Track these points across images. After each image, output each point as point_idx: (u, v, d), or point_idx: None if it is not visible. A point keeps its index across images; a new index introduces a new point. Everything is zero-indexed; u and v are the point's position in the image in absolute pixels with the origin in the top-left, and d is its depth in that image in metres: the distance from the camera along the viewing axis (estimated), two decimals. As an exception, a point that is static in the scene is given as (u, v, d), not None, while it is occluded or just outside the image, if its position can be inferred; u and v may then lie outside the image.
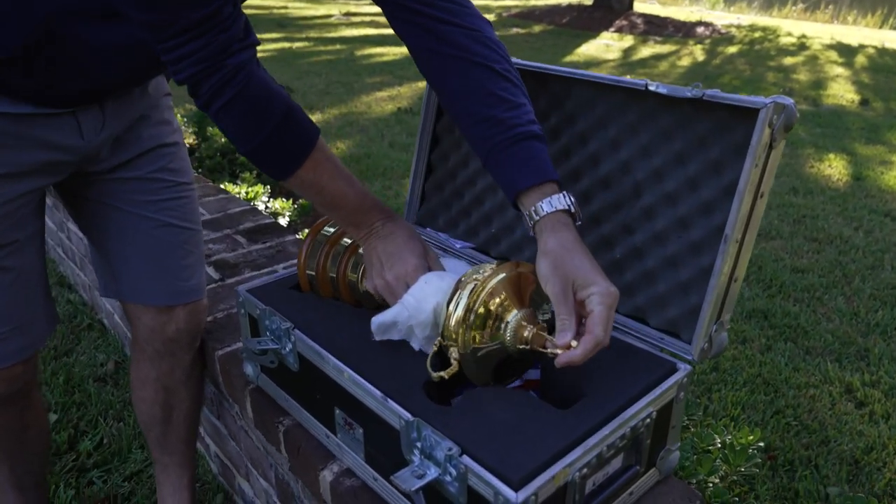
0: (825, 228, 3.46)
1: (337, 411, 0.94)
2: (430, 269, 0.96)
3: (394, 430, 0.83)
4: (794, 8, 14.25)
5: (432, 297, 0.89)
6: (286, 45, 8.50)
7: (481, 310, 0.82)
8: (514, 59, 1.00)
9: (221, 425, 1.43)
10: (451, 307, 0.84)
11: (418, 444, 0.79)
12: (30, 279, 1.04)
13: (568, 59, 8.04)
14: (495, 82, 0.91)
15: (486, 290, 0.82)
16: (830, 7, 14.41)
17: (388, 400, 0.83)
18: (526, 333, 0.84)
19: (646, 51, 8.89)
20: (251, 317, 1.07)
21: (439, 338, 0.86)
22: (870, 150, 4.87)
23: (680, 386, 0.87)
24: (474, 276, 0.86)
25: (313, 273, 1.06)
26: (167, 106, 1.17)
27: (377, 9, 9.98)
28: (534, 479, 0.71)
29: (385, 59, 7.92)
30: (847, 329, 2.50)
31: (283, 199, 2.82)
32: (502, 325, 0.84)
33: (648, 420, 0.83)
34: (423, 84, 6.69)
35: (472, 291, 0.83)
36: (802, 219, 3.60)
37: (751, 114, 0.80)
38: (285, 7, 12.79)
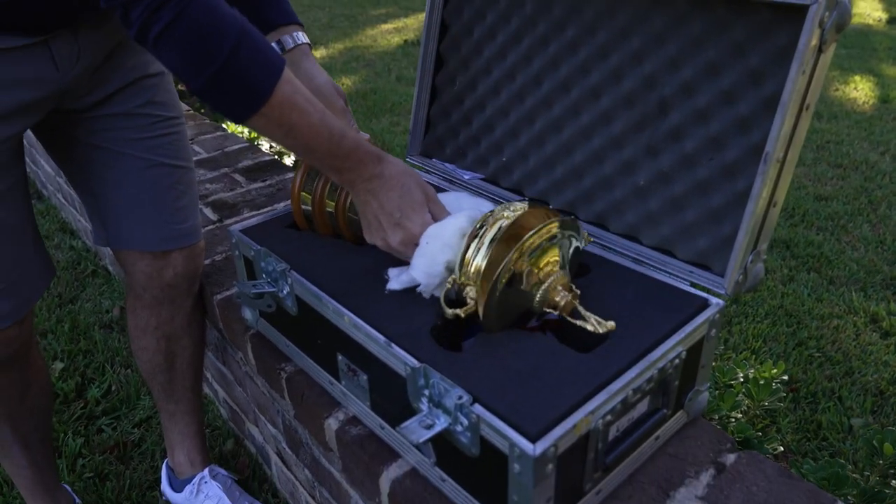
0: (850, 154, 3.32)
1: (339, 357, 0.87)
2: (434, 219, 0.86)
3: (400, 378, 0.76)
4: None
5: (441, 256, 0.80)
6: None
7: (508, 273, 0.73)
8: None
9: (227, 371, 1.38)
10: (471, 251, 0.76)
11: (426, 392, 0.72)
12: (15, 232, 0.97)
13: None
14: None
15: (517, 250, 0.72)
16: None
17: (393, 345, 0.76)
18: (558, 299, 0.77)
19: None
20: (246, 259, 1.00)
21: (453, 276, 0.78)
22: (897, 71, 4.65)
23: (712, 323, 0.79)
24: (500, 216, 0.77)
25: (309, 208, 0.98)
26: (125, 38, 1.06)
27: None
28: (553, 429, 0.64)
29: (391, -12, 7.63)
30: (872, 257, 2.40)
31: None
32: (532, 289, 0.77)
33: (678, 360, 0.75)
34: (429, 15, 6.43)
35: (494, 239, 0.74)
36: (826, 144, 3.45)
37: (798, 12, 0.69)
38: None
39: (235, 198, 1.54)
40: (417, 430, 0.69)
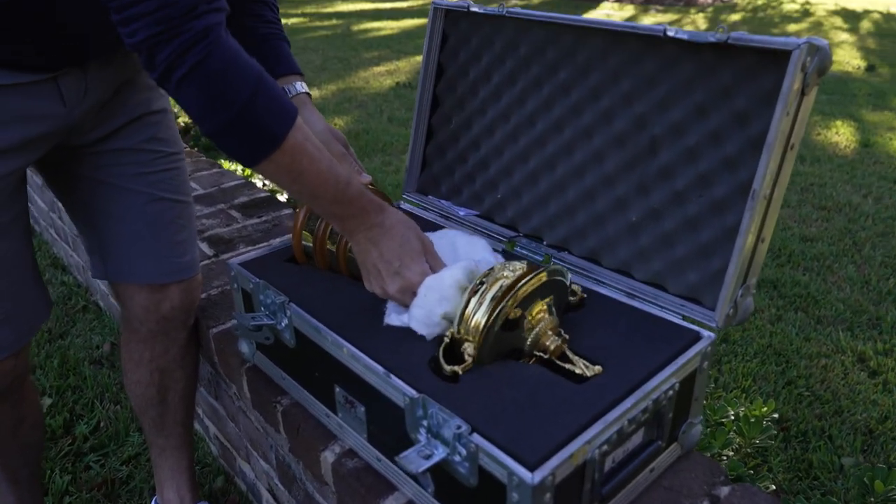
0: (833, 196, 3.39)
1: (337, 389, 0.88)
2: (431, 270, 0.88)
3: (398, 409, 0.77)
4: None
5: (438, 308, 0.83)
6: (282, 20, 8.36)
7: (504, 317, 0.77)
8: (516, 8, 0.94)
9: (220, 406, 1.37)
10: (472, 307, 0.78)
11: (424, 423, 0.73)
12: (16, 264, 0.98)
13: (567, 30, 7.90)
14: None
15: (512, 297, 0.77)
16: (833, -27, 14.12)
17: (392, 376, 0.77)
18: (549, 343, 0.81)
19: (647, 20, 8.73)
20: (245, 291, 1.01)
21: (452, 329, 0.81)
22: (877, 117, 4.77)
23: (703, 355, 0.81)
24: (501, 276, 0.80)
25: (310, 245, 1.00)
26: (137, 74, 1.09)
27: None
28: (550, 458, 0.65)
29: (382, 33, 7.79)
30: (858, 297, 2.44)
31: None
32: (524, 333, 0.80)
33: (671, 392, 0.77)
34: (420, 58, 6.58)
35: (495, 297, 0.77)
36: (810, 187, 3.53)
37: (782, 57, 0.73)
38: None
39: (231, 233, 1.56)
40: (416, 459, 0.70)
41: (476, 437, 0.68)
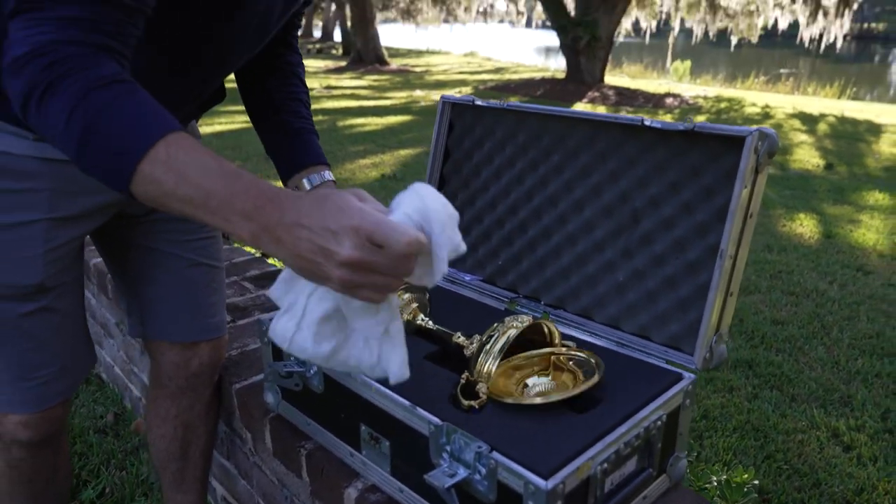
0: (801, 283, 3.60)
1: (362, 427, 0.99)
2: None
3: (422, 438, 0.88)
4: (756, 80, 15.04)
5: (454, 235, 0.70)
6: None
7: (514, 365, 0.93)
8: (516, 103, 1.13)
9: (231, 465, 1.45)
10: (482, 358, 0.92)
11: (447, 448, 0.84)
12: (74, 321, 1.10)
13: (544, 128, 8.35)
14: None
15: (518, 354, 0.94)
16: (791, 79, 15.23)
17: (417, 408, 0.89)
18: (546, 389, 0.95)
19: (618, 121, 9.27)
20: (274, 345, 1.13)
21: (467, 373, 0.94)
22: (837, 210, 5.10)
23: (686, 393, 0.94)
24: (509, 328, 0.94)
25: None
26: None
27: (355, 82, 10.43)
28: (560, 470, 0.76)
29: (367, 128, 8.16)
30: (829, 377, 2.59)
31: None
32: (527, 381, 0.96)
33: (659, 422, 0.90)
34: (405, 152, 6.90)
35: (502, 349, 0.92)
36: (779, 274, 3.74)
37: (738, 142, 0.91)
38: (267, 81, 13.15)
39: (246, 302, 1.68)
40: (442, 477, 0.81)
41: (495, 455, 0.79)
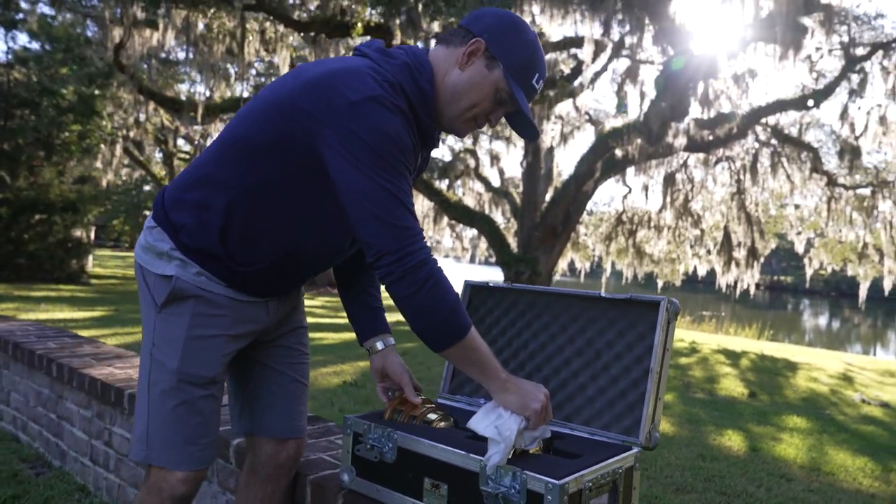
0: (732, 486, 4.16)
1: (426, 480, 1.51)
2: None
3: (474, 474, 1.42)
4: (682, 319, 16.67)
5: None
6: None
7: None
8: (501, 284, 1.84)
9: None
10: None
11: (493, 477, 1.39)
12: (220, 409, 1.62)
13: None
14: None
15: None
16: (713, 320, 16.93)
17: (471, 454, 1.44)
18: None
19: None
20: (356, 433, 1.66)
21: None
22: (761, 430, 5.80)
23: (635, 457, 1.52)
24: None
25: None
26: (302, 300, 1.87)
27: (309, 302, 11.17)
28: (565, 478, 1.32)
29: (325, 342, 8.75)
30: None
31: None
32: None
33: (620, 471, 1.47)
34: (364, 363, 7.47)
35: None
36: (712, 478, 4.30)
37: (657, 304, 1.61)
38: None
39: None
40: (494, 489, 1.34)
41: (526, 472, 1.34)
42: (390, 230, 1.41)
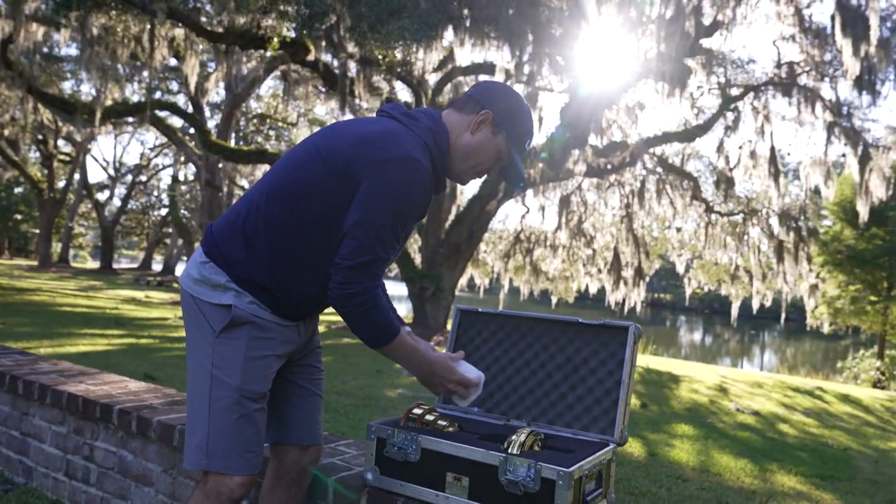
0: (638, 486, 4.70)
1: (448, 475, 1.83)
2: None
3: (493, 467, 1.76)
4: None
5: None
6: (133, 340, 9.03)
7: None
8: (489, 310, 2.21)
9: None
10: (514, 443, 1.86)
11: (510, 468, 1.73)
12: (264, 420, 1.87)
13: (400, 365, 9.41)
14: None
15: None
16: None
17: (491, 451, 1.78)
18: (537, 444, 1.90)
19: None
20: (379, 438, 1.95)
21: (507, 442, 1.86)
22: (657, 437, 6.47)
23: (613, 451, 1.92)
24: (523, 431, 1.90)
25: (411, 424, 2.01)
26: (317, 324, 2.14)
27: None
28: (571, 467, 1.69)
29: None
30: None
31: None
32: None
33: (603, 462, 1.85)
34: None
35: (523, 441, 1.88)
36: (620, 480, 4.83)
37: (625, 328, 2.03)
38: (116, 308, 13.34)
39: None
40: (513, 476, 1.69)
41: (540, 463, 1.70)
42: (368, 255, 1.76)
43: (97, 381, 3.10)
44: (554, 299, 20.19)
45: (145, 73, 18.97)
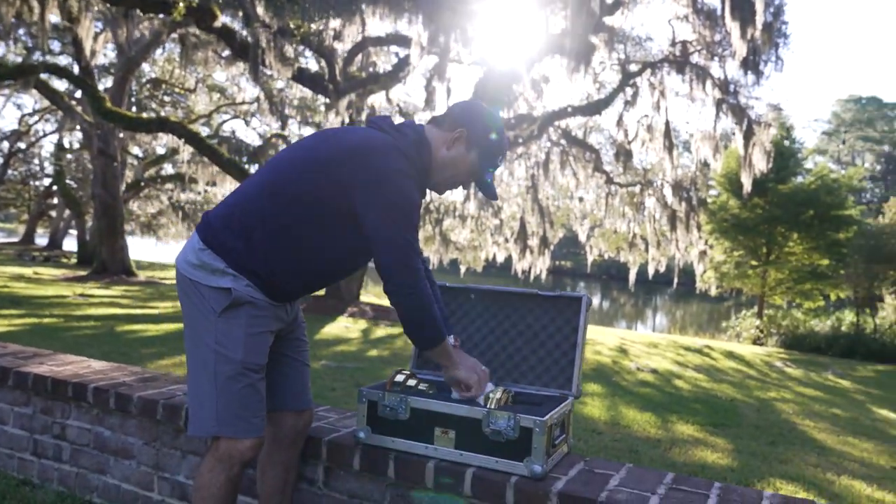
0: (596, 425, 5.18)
1: (436, 429, 2.12)
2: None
3: (477, 421, 2.06)
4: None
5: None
6: (34, 320, 8.71)
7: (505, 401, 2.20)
8: (456, 285, 2.50)
9: (292, 507, 2.34)
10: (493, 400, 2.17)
11: (493, 420, 2.04)
12: (265, 387, 2.08)
13: (318, 337, 9.58)
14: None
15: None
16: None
17: (474, 406, 2.08)
18: (510, 399, 2.22)
19: (380, 331, 10.90)
20: (370, 401, 2.21)
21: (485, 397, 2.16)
22: (570, 395, 7.03)
23: (571, 403, 2.27)
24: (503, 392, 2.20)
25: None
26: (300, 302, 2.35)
27: (112, 291, 10.95)
28: (545, 416, 2.02)
29: (148, 334, 8.60)
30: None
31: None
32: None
33: (566, 412, 2.20)
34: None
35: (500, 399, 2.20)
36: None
37: (579, 299, 2.37)
38: (7, 286, 12.66)
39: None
40: (492, 430, 2.00)
41: (519, 415, 2.02)
42: (403, 265, 2.02)
43: (57, 361, 3.16)
44: (462, 268, 20.76)
45: (20, 32, 17.70)
